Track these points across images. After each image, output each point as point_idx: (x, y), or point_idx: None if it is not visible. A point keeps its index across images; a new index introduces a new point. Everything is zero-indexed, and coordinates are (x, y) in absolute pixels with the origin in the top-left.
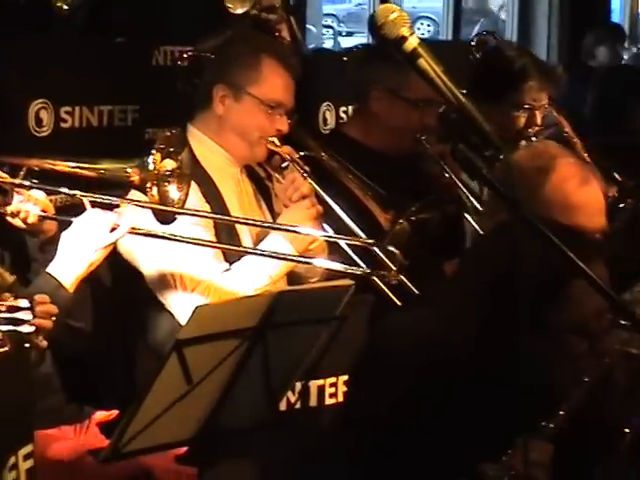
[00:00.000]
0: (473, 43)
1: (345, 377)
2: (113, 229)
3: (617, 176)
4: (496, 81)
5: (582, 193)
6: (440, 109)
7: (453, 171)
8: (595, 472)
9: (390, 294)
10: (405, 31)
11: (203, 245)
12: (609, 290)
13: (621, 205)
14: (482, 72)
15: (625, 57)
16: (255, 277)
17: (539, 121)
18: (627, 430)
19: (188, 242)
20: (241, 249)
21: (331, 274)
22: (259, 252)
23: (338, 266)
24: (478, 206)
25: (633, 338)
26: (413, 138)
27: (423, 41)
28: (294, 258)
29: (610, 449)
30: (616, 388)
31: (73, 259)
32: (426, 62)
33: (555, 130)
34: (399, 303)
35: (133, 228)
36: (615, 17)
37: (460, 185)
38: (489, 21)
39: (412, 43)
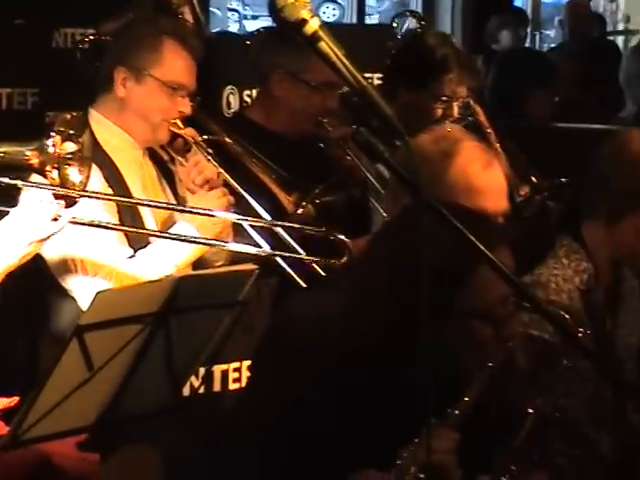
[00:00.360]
0: (394, 24)
1: (249, 362)
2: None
3: (534, 179)
4: (416, 70)
5: (485, 176)
6: (341, 92)
7: (357, 154)
8: (495, 454)
9: (295, 276)
10: (305, 14)
11: (121, 230)
12: (512, 275)
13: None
14: (402, 59)
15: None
16: (160, 264)
17: (456, 113)
18: (531, 411)
19: (121, 229)
20: (148, 233)
21: (236, 257)
22: (166, 237)
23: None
24: (382, 190)
25: (534, 320)
26: (315, 121)
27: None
28: (202, 241)
29: (511, 432)
30: (518, 372)
31: (5, 252)
32: (327, 45)
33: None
34: (304, 285)
35: (74, 218)
36: (518, 2)
37: (363, 168)
38: (394, 4)
39: (312, 26)
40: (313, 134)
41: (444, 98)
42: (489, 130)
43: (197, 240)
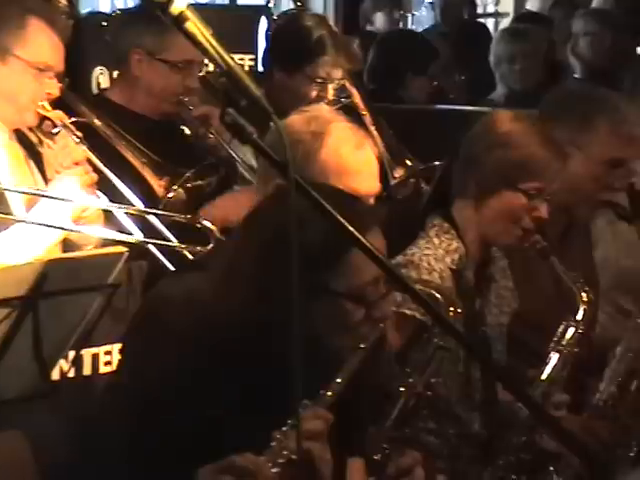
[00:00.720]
0: (270, 5)
1: (120, 345)
2: None
3: (408, 162)
4: (292, 52)
5: (357, 157)
6: (202, 71)
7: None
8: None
9: (164, 260)
10: None
11: None
12: (382, 256)
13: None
14: (278, 41)
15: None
16: (25, 245)
17: (331, 95)
18: (402, 390)
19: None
20: (11, 217)
21: (107, 240)
22: (31, 221)
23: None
24: (245, 172)
25: (406, 299)
26: (176, 101)
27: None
28: (70, 227)
29: (383, 413)
30: (390, 352)
31: None
32: (194, 26)
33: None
34: (172, 269)
35: None
36: None
37: (228, 148)
38: None
39: (179, 6)
40: (174, 114)
41: (319, 80)
42: (364, 112)
43: (64, 227)
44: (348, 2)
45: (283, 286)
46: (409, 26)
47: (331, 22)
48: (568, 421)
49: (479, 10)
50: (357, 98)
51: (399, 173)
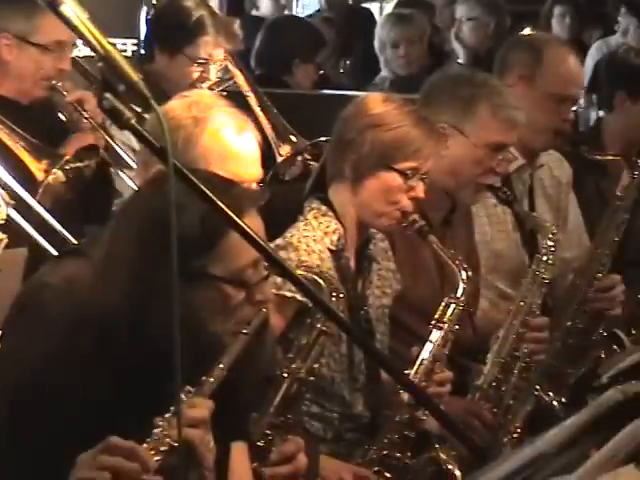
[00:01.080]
0: None
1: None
2: None
3: (294, 138)
4: (172, 33)
5: (238, 142)
6: (73, 54)
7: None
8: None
9: (46, 244)
10: None
11: None
12: (263, 241)
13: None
14: (158, 23)
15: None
16: None
17: (212, 76)
18: (285, 375)
19: None
20: None
21: None
22: None
23: None
24: (125, 156)
25: (286, 281)
26: (48, 85)
27: None
28: None
29: (266, 398)
30: (272, 337)
31: None
32: (69, 9)
33: (231, 84)
34: (55, 254)
35: None
36: None
37: (103, 133)
38: None
39: None
40: (47, 98)
41: (200, 61)
42: (248, 93)
43: None
44: None
45: (162, 271)
46: (294, 11)
47: (216, 6)
48: (452, 403)
49: None
50: (240, 79)
51: (285, 151)
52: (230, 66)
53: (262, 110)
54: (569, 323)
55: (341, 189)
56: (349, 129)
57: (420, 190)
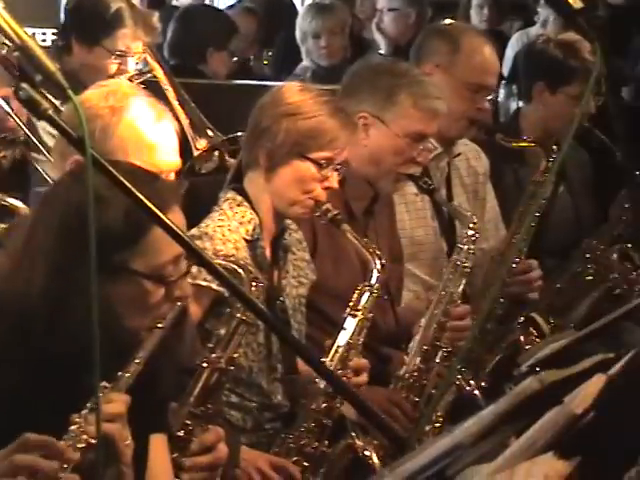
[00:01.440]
0: None
1: None
2: None
3: (210, 132)
4: (90, 25)
5: (156, 131)
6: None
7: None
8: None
9: None
10: None
11: None
12: (184, 234)
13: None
14: (76, 15)
15: None
16: None
17: (131, 68)
18: (205, 365)
19: None
20: None
21: None
22: None
23: None
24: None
25: (202, 271)
26: None
27: None
28: None
29: (185, 389)
30: (191, 328)
31: None
32: None
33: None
34: None
35: None
36: None
37: (23, 127)
38: None
39: None
40: None
41: (118, 53)
42: (167, 86)
43: None
44: None
45: (81, 264)
46: (216, 1)
47: None
48: (374, 393)
49: None
50: (159, 72)
51: (202, 145)
52: (149, 59)
53: (180, 104)
54: (487, 309)
55: (256, 178)
56: (265, 117)
57: (334, 180)
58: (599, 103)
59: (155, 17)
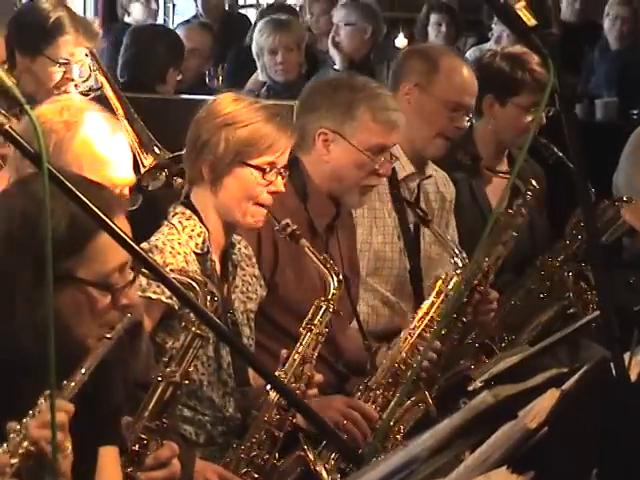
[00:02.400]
0: None
1: None
2: None
3: (157, 150)
4: (31, 36)
5: (110, 146)
6: None
7: None
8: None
9: None
10: None
11: None
12: (132, 243)
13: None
14: (16, 27)
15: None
16: None
17: (75, 76)
18: (159, 379)
19: None
20: None
21: None
22: None
23: None
24: None
25: (151, 284)
26: None
27: None
28: None
29: (140, 403)
30: (148, 344)
31: None
32: None
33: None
34: None
35: None
36: None
37: None
38: None
39: None
40: None
41: (62, 61)
42: (116, 103)
43: None
44: None
45: (27, 272)
46: (170, 17)
47: (91, 13)
48: (332, 399)
49: (240, 2)
50: (108, 90)
51: (148, 162)
52: (99, 76)
53: (127, 120)
54: (443, 332)
55: (201, 192)
56: (203, 131)
57: (279, 184)
58: (549, 114)
59: (96, 24)
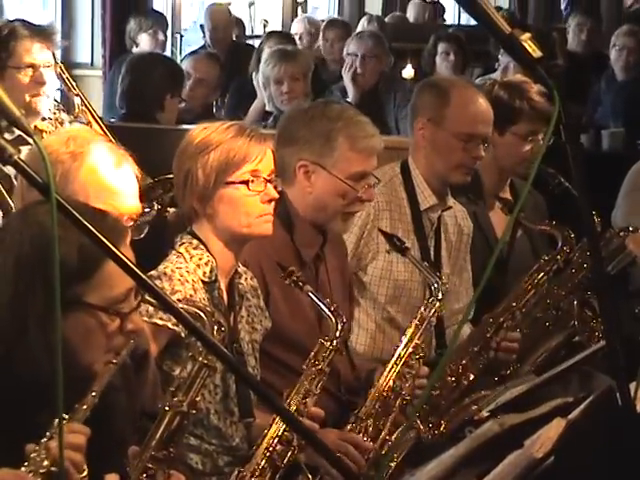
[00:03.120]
0: None
1: None
2: None
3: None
4: None
5: (116, 176)
6: None
7: None
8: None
9: None
10: None
11: None
12: (138, 270)
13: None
14: None
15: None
16: None
17: (49, 79)
18: (167, 408)
19: None
20: None
21: None
22: None
23: None
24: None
25: (157, 311)
26: None
27: None
28: None
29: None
30: (154, 373)
31: None
32: None
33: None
34: None
35: None
36: (157, 5)
37: None
38: None
39: None
40: None
41: (26, 66)
42: (93, 126)
43: None
44: (117, 24)
45: (37, 299)
46: (178, 47)
47: (99, 44)
48: (326, 432)
49: (248, 32)
50: (89, 115)
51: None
52: (88, 116)
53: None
54: (464, 362)
55: (200, 225)
56: (181, 164)
57: (271, 191)
58: (549, 142)
59: (53, 27)
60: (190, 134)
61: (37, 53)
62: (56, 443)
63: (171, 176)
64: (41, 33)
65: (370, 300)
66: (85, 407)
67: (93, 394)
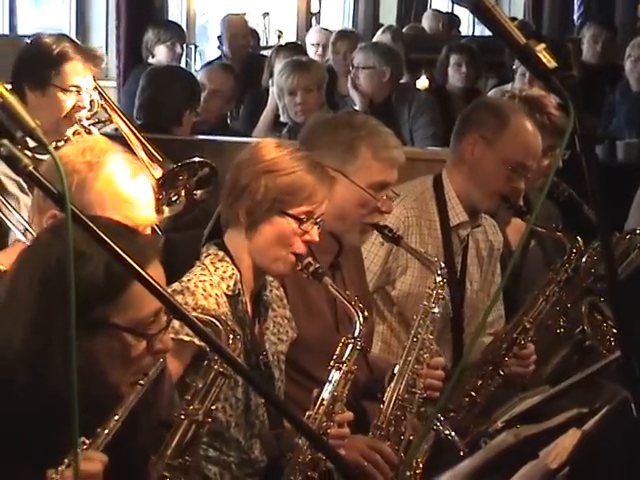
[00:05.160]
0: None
1: None
2: None
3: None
4: (37, 69)
5: (132, 187)
6: None
7: None
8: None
9: None
10: None
11: None
12: (163, 289)
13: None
14: (22, 63)
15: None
16: None
17: (86, 103)
18: (182, 417)
19: None
20: None
21: None
22: None
23: None
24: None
25: (183, 326)
26: None
27: None
28: None
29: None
30: (170, 384)
31: None
32: None
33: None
34: None
35: None
36: (173, 16)
37: None
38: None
39: None
40: None
41: (71, 88)
42: (127, 135)
43: None
44: (131, 34)
45: (62, 319)
46: (193, 59)
47: (114, 54)
48: (354, 440)
49: (262, 43)
50: (117, 119)
51: (158, 174)
52: (108, 109)
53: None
54: (480, 382)
55: (236, 235)
56: (243, 175)
57: (314, 234)
58: (565, 156)
59: (100, 49)
60: (260, 147)
61: (83, 77)
62: (72, 472)
63: (195, 160)
64: (91, 57)
65: (396, 315)
66: (107, 431)
67: (116, 418)
